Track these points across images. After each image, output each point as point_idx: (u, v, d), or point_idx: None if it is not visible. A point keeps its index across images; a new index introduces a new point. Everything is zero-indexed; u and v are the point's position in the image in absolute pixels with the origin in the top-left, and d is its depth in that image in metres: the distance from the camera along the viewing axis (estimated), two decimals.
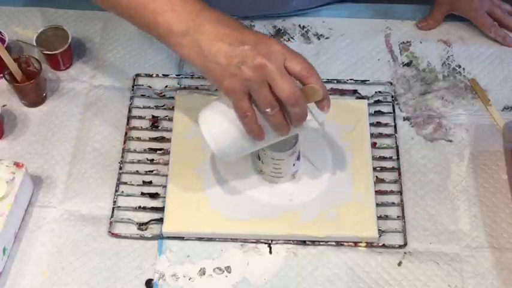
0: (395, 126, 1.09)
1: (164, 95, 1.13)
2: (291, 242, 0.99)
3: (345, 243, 0.98)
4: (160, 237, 0.99)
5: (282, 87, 0.83)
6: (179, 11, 0.87)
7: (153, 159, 1.06)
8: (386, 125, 1.10)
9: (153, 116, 1.10)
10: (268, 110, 0.85)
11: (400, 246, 0.98)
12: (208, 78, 0.88)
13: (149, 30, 0.90)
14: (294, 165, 1.01)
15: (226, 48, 0.84)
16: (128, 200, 1.02)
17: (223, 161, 0.98)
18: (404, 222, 1.00)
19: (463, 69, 1.17)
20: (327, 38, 1.21)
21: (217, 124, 0.89)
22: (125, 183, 1.04)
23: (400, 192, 1.02)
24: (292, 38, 1.21)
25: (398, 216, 1.01)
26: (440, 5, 1.21)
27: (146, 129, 1.09)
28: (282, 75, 0.83)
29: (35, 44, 1.13)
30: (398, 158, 1.06)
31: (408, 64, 1.18)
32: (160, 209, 1.01)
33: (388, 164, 1.05)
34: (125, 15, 0.93)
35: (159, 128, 1.09)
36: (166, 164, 1.04)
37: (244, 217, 0.99)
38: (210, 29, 0.85)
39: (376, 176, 1.04)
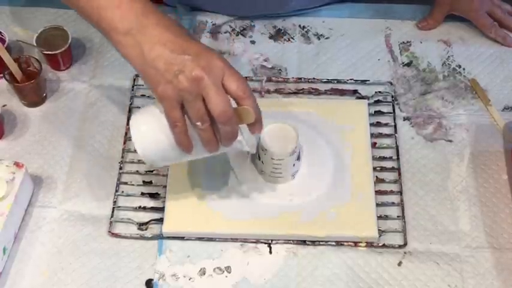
0: (395, 126, 1.09)
1: None
2: (291, 242, 0.99)
3: (345, 243, 0.98)
4: (160, 237, 0.99)
5: (215, 103, 0.82)
6: (124, 9, 0.85)
7: None
8: (386, 125, 1.10)
9: None
10: (198, 123, 0.84)
11: (400, 246, 0.98)
12: (144, 82, 0.86)
13: (96, 25, 0.88)
14: (294, 165, 1.01)
15: (167, 54, 0.82)
16: (128, 200, 1.02)
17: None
18: (404, 222, 1.00)
19: (463, 69, 1.17)
20: (327, 38, 1.21)
21: (147, 130, 0.88)
22: (125, 183, 1.04)
23: (400, 192, 1.02)
24: (292, 38, 1.21)
25: (398, 216, 1.01)
26: (440, 5, 1.21)
27: None
28: (218, 91, 0.82)
29: (35, 44, 1.13)
30: (398, 158, 1.06)
31: (408, 64, 1.18)
32: (160, 209, 1.01)
33: (388, 164, 1.05)
34: (74, 7, 0.91)
35: None
36: None
37: (244, 217, 0.99)
38: (154, 32, 0.84)
39: (376, 176, 1.04)
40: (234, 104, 0.85)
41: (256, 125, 0.87)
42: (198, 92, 0.82)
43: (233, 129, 0.85)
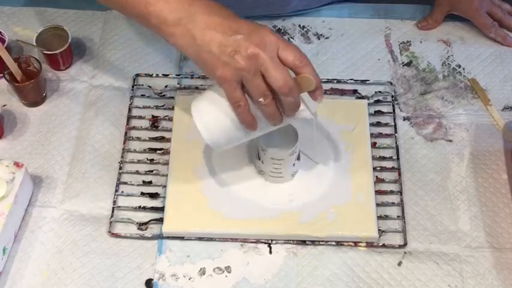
0: (395, 126, 1.09)
1: (164, 95, 1.13)
2: (291, 242, 0.99)
3: (345, 243, 0.98)
4: (160, 237, 0.99)
5: (275, 76, 0.83)
6: (171, 1, 0.87)
7: (153, 159, 1.06)
8: (386, 124, 1.10)
9: (153, 116, 1.10)
10: (261, 99, 0.85)
11: (400, 246, 0.98)
12: (202, 68, 0.87)
13: (142, 21, 0.90)
14: (294, 165, 1.01)
15: (220, 37, 0.84)
16: (128, 200, 1.02)
17: (217, 152, 0.99)
18: (404, 222, 1.00)
19: (463, 69, 1.17)
20: (327, 38, 1.21)
21: (210, 113, 0.89)
22: (125, 183, 1.04)
23: (400, 192, 1.02)
24: (292, 38, 1.21)
25: (398, 216, 1.01)
26: (440, 5, 1.21)
27: (146, 129, 1.09)
28: (275, 64, 0.83)
29: (35, 44, 1.13)
30: (398, 158, 1.06)
31: (408, 64, 1.18)
32: (160, 209, 1.01)
33: (388, 164, 1.05)
34: (117, 6, 0.93)
35: (159, 128, 1.09)
36: (166, 164, 1.04)
37: (244, 217, 0.99)
38: (203, 18, 0.85)
39: (376, 176, 1.04)
40: (292, 74, 0.86)
41: (317, 91, 0.87)
42: (256, 68, 0.83)
43: (295, 99, 0.86)
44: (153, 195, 1.02)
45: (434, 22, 1.22)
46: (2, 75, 1.11)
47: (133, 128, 1.09)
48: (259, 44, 0.83)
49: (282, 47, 0.84)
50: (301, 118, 0.90)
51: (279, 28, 1.22)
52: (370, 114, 1.10)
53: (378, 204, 1.01)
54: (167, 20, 0.87)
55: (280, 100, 0.86)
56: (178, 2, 0.87)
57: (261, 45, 0.83)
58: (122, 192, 1.03)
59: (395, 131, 1.09)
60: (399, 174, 1.04)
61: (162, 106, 1.11)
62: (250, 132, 0.90)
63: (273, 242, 0.99)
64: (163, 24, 0.87)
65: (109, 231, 0.99)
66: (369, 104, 1.11)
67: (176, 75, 1.15)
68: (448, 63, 1.18)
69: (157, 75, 1.15)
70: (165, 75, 1.15)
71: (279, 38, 0.85)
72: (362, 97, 1.12)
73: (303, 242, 0.98)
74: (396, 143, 1.07)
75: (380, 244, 0.98)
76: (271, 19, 1.23)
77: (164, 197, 1.01)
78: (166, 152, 1.06)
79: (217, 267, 0.96)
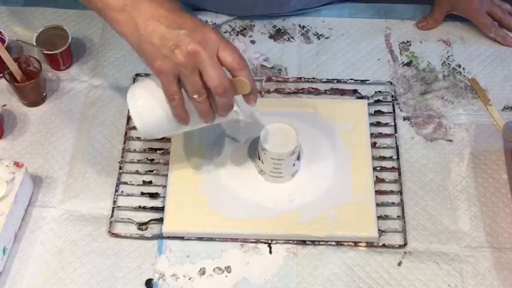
0: (395, 126, 1.09)
1: None
2: (291, 242, 0.99)
3: (345, 243, 0.98)
4: (160, 237, 0.99)
5: (211, 76, 0.84)
6: None
7: (153, 159, 1.06)
8: (386, 124, 1.10)
9: None
10: (195, 96, 0.86)
11: (400, 246, 0.98)
12: (141, 57, 0.88)
13: (92, 7, 0.90)
14: (294, 165, 1.01)
15: (163, 29, 0.84)
16: (128, 200, 1.02)
17: (217, 152, 1.02)
18: (404, 222, 1.00)
19: (463, 69, 1.17)
20: (327, 38, 1.21)
21: (145, 102, 0.90)
22: (125, 183, 1.04)
23: (400, 192, 1.02)
24: (292, 38, 1.21)
25: (398, 216, 1.01)
26: (440, 5, 1.21)
27: None
28: (213, 64, 0.84)
29: (35, 44, 1.13)
30: (398, 158, 1.06)
31: (408, 64, 1.18)
32: (160, 209, 1.01)
33: (388, 164, 1.05)
34: None
35: None
36: (166, 164, 1.04)
37: (244, 217, 0.99)
38: (148, 7, 0.86)
39: (376, 176, 1.04)
40: (229, 76, 0.87)
41: (251, 96, 0.88)
42: (194, 65, 0.84)
43: (229, 100, 0.87)
44: (153, 195, 1.02)
45: (434, 22, 1.22)
46: (2, 75, 1.11)
47: (134, 127, 1.09)
48: (200, 42, 0.83)
49: (223, 47, 0.85)
50: (233, 119, 0.92)
51: (279, 28, 1.22)
52: (370, 114, 1.10)
53: (378, 204, 1.01)
54: (112, 5, 0.87)
55: (215, 99, 0.86)
56: None
57: (202, 43, 0.83)
58: (122, 192, 1.03)
59: (395, 131, 1.09)
60: (399, 174, 1.04)
61: None
62: (182, 126, 0.91)
63: (273, 242, 0.99)
64: (107, 8, 0.87)
65: (109, 231, 0.99)
66: (369, 104, 1.11)
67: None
68: (448, 63, 1.18)
69: None
70: None
71: (222, 38, 0.86)
72: (362, 97, 1.12)
73: (303, 242, 0.98)
74: (396, 143, 1.07)
75: (380, 244, 0.98)
76: (271, 19, 1.23)
77: (164, 197, 1.01)
78: (166, 152, 1.06)
79: (217, 267, 0.96)
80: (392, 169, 1.05)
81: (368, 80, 1.15)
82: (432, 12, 1.22)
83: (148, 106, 0.90)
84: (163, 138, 1.07)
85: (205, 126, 0.93)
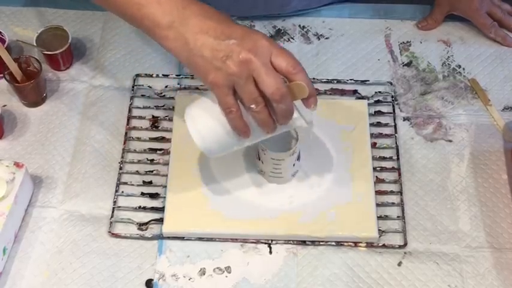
0: (395, 126, 1.09)
1: (164, 95, 1.13)
2: (291, 242, 0.99)
3: (345, 243, 0.98)
4: (160, 237, 0.99)
5: (267, 83, 0.82)
6: (164, 4, 0.86)
7: (153, 159, 1.06)
8: (386, 125, 1.10)
9: (153, 116, 1.10)
10: (253, 106, 0.84)
11: (400, 246, 0.98)
12: (194, 72, 0.87)
13: (135, 23, 0.90)
14: (294, 165, 1.01)
15: (212, 41, 0.83)
16: (128, 200, 1.02)
17: (212, 158, 0.99)
18: (404, 222, 1.00)
19: (463, 69, 1.17)
20: (327, 38, 1.21)
21: (203, 119, 0.89)
22: (125, 183, 1.04)
23: (400, 192, 1.02)
24: (292, 38, 1.21)
25: (398, 216, 1.01)
26: (440, 5, 1.21)
27: (146, 129, 1.09)
28: (268, 70, 0.82)
29: (35, 44, 1.13)
30: (398, 158, 1.06)
31: (408, 64, 1.18)
32: (160, 209, 1.01)
33: (388, 164, 1.05)
34: (111, 7, 0.92)
35: (159, 128, 1.09)
36: (166, 164, 1.04)
37: (244, 217, 0.99)
38: (196, 22, 0.85)
39: (376, 176, 1.04)
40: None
41: (311, 99, 0.86)
42: (248, 74, 0.82)
43: (288, 106, 0.85)
44: (153, 196, 1.02)
45: (434, 22, 1.22)
46: (2, 75, 1.11)
47: (134, 128, 1.09)
48: (251, 49, 0.82)
49: (276, 53, 0.83)
50: (295, 126, 0.90)
51: (279, 28, 1.22)
52: (370, 115, 1.10)
53: (378, 205, 1.01)
54: (160, 23, 0.86)
55: (273, 107, 0.85)
56: (171, 5, 0.86)
57: (253, 51, 0.82)
58: (122, 192, 1.03)
59: (396, 131, 1.09)
60: (399, 174, 1.04)
61: (162, 106, 1.11)
62: (243, 140, 0.89)
63: (273, 242, 0.99)
64: (156, 27, 0.86)
65: (109, 232, 0.99)
66: (369, 104, 1.11)
67: (176, 75, 1.15)
68: (448, 64, 1.18)
69: (157, 76, 1.15)
70: (165, 76, 1.15)
71: (273, 43, 0.84)
72: (362, 97, 1.12)
73: (303, 242, 0.98)
74: (396, 143, 1.07)
75: (380, 244, 0.98)
76: (271, 19, 1.23)
77: (164, 197, 1.01)
78: (166, 152, 1.06)
79: (218, 268, 0.96)
80: (392, 169, 1.05)
81: (368, 81, 1.15)
82: (432, 12, 1.22)
83: (207, 124, 0.88)
84: (162, 138, 1.07)
85: (267, 138, 0.91)
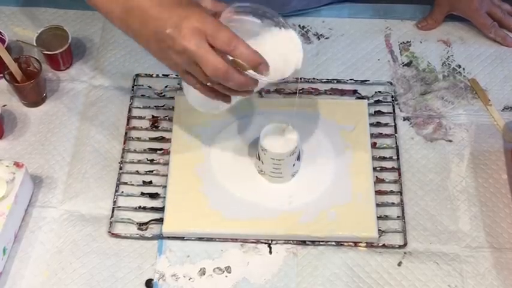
0: (395, 126, 1.09)
1: (164, 95, 1.13)
2: (291, 242, 0.99)
3: (345, 243, 0.98)
4: (160, 237, 0.99)
5: (205, 67, 0.83)
6: None
7: (153, 159, 1.06)
8: (386, 125, 1.10)
9: (153, 116, 1.10)
10: (209, 84, 0.87)
11: (400, 246, 0.98)
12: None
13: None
14: (294, 165, 1.01)
15: (155, 33, 0.86)
16: (128, 200, 1.02)
17: (217, 152, 1.03)
18: (404, 222, 1.00)
19: (463, 69, 1.17)
20: (327, 38, 1.21)
21: (190, 90, 0.93)
22: (125, 183, 1.04)
23: (400, 192, 1.02)
24: None
25: (398, 216, 1.01)
26: (440, 5, 1.21)
27: (146, 129, 1.09)
28: (204, 54, 0.83)
29: (35, 44, 1.13)
30: (398, 158, 1.06)
31: (408, 64, 1.18)
32: (160, 209, 1.01)
33: (388, 164, 1.05)
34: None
35: (159, 128, 1.09)
36: (166, 164, 1.04)
37: (244, 217, 0.99)
38: (138, 13, 0.88)
39: (376, 176, 1.04)
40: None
41: (259, 68, 0.85)
42: (189, 61, 0.85)
43: (237, 80, 0.85)
44: (153, 196, 1.02)
45: (434, 22, 1.22)
46: (2, 75, 1.11)
47: (134, 128, 1.09)
48: (185, 37, 0.83)
49: (209, 34, 0.83)
50: (265, 83, 0.90)
51: None
52: (370, 115, 1.10)
53: (378, 205, 1.01)
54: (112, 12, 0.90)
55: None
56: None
57: (187, 38, 0.83)
58: (122, 192, 1.03)
59: (396, 131, 1.09)
60: (399, 174, 1.04)
61: (162, 106, 1.11)
62: (221, 103, 0.92)
63: (273, 242, 0.99)
64: (108, 16, 0.91)
65: (109, 232, 0.99)
66: (369, 104, 1.11)
67: (176, 75, 1.15)
68: (448, 64, 1.18)
69: (157, 76, 1.15)
70: (165, 76, 1.15)
71: (206, 22, 0.84)
72: (362, 97, 1.12)
73: (303, 242, 0.98)
74: (396, 143, 1.07)
75: (380, 244, 0.98)
76: None
77: (164, 197, 1.01)
78: (166, 152, 1.06)
79: (217, 267, 0.96)
80: (392, 169, 1.05)
81: (368, 80, 1.15)
82: (432, 12, 1.22)
83: (192, 92, 0.93)
84: (162, 138, 1.07)
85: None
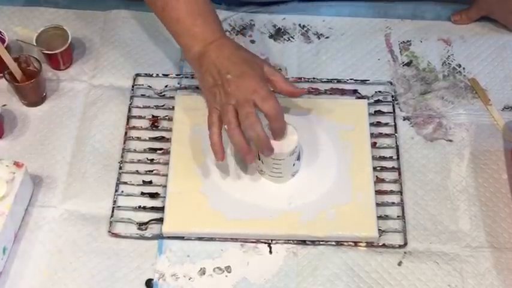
0: (395, 126, 1.09)
1: (164, 95, 1.13)
2: (291, 241, 0.99)
3: (345, 243, 0.98)
4: (160, 237, 0.99)
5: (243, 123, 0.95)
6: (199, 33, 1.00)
7: (153, 159, 1.06)
8: (386, 124, 1.10)
9: (153, 116, 1.10)
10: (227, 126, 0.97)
11: (400, 246, 0.98)
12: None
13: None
14: (294, 165, 1.01)
15: (212, 82, 0.98)
16: (128, 200, 1.02)
17: (211, 159, 1.03)
18: (405, 222, 1.00)
19: (463, 68, 1.17)
20: (327, 38, 1.21)
21: None
22: (125, 183, 1.04)
23: (400, 192, 1.02)
24: (292, 37, 1.21)
25: (398, 216, 1.01)
26: (478, 6, 1.19)
27: (146, 129, 1.09)
28: (245, 107, 0.94)
29: (35, 44, 1.13)
30: (398, 158, 1.06)
31: (408, 64, 1.18)
32: (160, 209, 1.01)
33: (388, 164, 1.05)
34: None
35: (159, 127, 1.09)
36: (166, 164, 1.04)
37: (244, 217, 0.99)
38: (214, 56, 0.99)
39: (376, 176, 1.04)
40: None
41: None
42: (236, 121, 0.95)
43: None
44: (153, 195, 1.02)
45: (467, 19, 1.21)
46: (2, 75, 1.11)
47: (134, 127, 1.09)
48: (234, 95, 0.94)
49: (260, 98, 0.94)
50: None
51: (279, 28, 1.22)
52: (370, 114, 1.10)
53: (378, 204, 1.01)
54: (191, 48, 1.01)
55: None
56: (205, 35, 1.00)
57: (233, 96, 0.94)
58: (122, 192, 1.03)
59: (396, 131, 1.09)
60: (399, 174, 1.04)
61: (162, 106, 1.11)
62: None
63: (273, 242, 0.99)
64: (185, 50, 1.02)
65: (109, 231, 0.99)
66: (369, 104, 1.11)
67: (176, 75, 1.15)
68: (448, 63, 1.18)
69: (157, 75, 1.15)
70: (165, 75, 1.15)
71: (259, 88, 0.95)
72: (362, 97, 1.12)
73: (303, 242, 0.98)
74: (396, 142, 1.07)
75: (380, 244, 0.98)
76: (272, 17, 1.22)
77: (164, 197, 1.01)
78: (166, 152, 1.06)
79: (217, 267, 0.97)
80: (392, 169, 1.05)
81: (368, 80, 1.15)
82: (469, 10, 1.20)
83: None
84: (162, 138, 1.07)
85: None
